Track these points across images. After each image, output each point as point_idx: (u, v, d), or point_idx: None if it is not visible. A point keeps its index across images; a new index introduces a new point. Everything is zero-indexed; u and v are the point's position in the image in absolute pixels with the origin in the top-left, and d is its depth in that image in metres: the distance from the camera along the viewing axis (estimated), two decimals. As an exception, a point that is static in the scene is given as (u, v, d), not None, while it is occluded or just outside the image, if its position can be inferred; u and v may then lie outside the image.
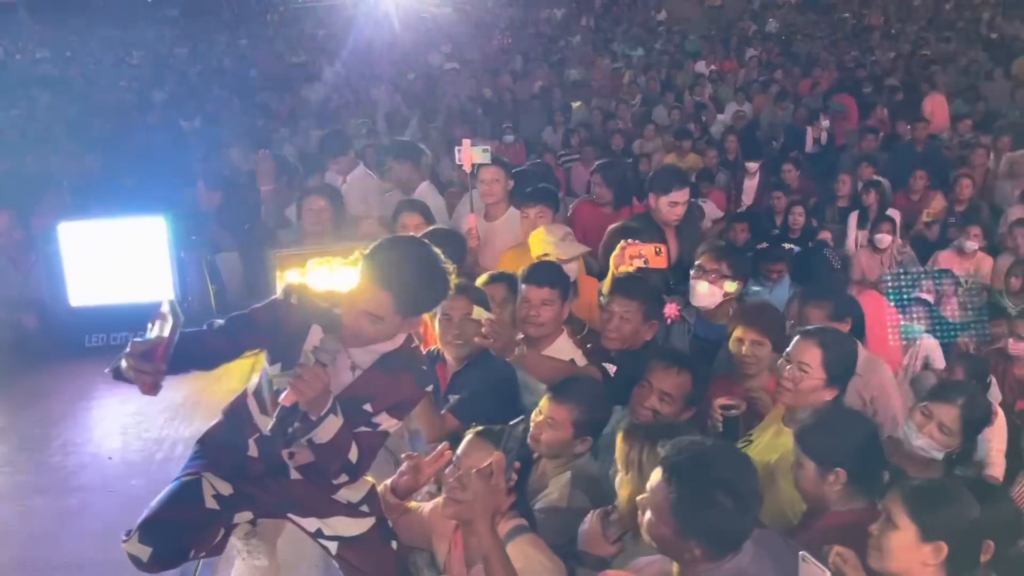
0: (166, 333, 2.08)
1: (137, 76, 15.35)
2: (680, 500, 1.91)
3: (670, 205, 4.12)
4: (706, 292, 3.53)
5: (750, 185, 8.24)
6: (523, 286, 3.43)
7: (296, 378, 2.14)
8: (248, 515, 2.48)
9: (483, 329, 2.83)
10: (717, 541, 1.94)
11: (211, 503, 2.35)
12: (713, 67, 14.21)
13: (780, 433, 2.85)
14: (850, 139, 9.34)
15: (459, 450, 2.53)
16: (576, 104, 12.50)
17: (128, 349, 2.12)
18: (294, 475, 2.46)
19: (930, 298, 5.50)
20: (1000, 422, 3.72)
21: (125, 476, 3.18)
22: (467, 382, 3.23)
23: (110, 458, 3.28)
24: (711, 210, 7.68)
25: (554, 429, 2.80)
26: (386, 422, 2.38)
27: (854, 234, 6.98)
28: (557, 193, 4.79)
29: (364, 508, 2.52)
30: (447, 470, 2.50)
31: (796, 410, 2.83)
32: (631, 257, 3.44)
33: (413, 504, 2.76)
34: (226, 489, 2.39)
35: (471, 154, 4.59)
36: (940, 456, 2.95)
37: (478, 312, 3.13)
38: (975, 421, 3.02)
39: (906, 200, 7.66)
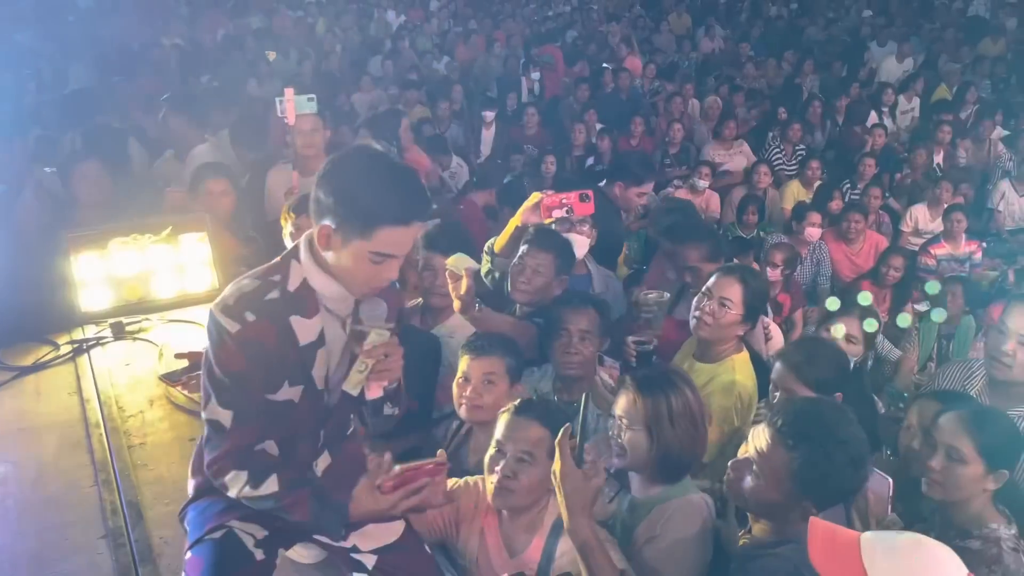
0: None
1: None
2: (804, 466, 1.86)
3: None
4: (581, 242, 3.47)
5: (487, 135, 8.31)
6: (426, 253, 3.11)
7: (378, 362, 1.86)
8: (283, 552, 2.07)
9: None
10: (832, 498, 1.93)
11: (259, 554, 1.92)
12: (403, 17, 14.01)
13: (692, 368, 2.92)
14: (565, 90, 9.80)
15: (499, 433, 2.26)
16: (270, 54, 11.60)
17: None
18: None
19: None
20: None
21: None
22: None
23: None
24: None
25: (495, 385, 2.65)
26: None
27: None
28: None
29: None
30: (488, 456, 2.24)
31: (709, 345, 2.91)
32: (550, 209, 3.20)
33: None
34: (259, 532, 1.94)
35: (295, 105, 4.01)
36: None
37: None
38: None
39: (626, 144, 8.26)
